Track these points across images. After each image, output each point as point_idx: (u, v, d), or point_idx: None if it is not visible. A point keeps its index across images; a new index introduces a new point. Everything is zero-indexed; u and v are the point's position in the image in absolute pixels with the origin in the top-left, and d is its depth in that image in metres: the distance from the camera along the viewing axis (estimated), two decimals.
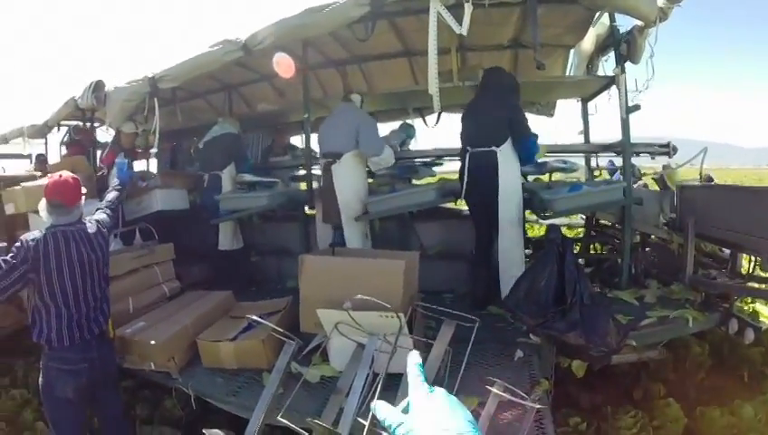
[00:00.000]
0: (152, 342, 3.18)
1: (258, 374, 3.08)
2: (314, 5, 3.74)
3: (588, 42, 5.06)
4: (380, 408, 0.82)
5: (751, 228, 3.30)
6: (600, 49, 4.97)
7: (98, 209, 3.21)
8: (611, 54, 4.50)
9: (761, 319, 4.30)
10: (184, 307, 3.81)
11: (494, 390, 1.98)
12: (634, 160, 4.79)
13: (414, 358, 0.88)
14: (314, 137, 4.94)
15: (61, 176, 2.83)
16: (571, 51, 5.55)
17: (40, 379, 2.69)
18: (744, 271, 3.97)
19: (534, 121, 4.16)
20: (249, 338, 3.25)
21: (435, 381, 2.32)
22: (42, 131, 6.51)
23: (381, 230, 4.87)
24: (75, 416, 2.73)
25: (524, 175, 4.42)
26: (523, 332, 3.38)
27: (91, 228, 2.87)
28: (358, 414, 2.03)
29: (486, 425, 1.98)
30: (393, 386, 2.18)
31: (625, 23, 4.20)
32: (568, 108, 6.07)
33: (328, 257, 3.60)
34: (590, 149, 5.44)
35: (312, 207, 5.13)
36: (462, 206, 5.45)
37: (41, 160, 6.98)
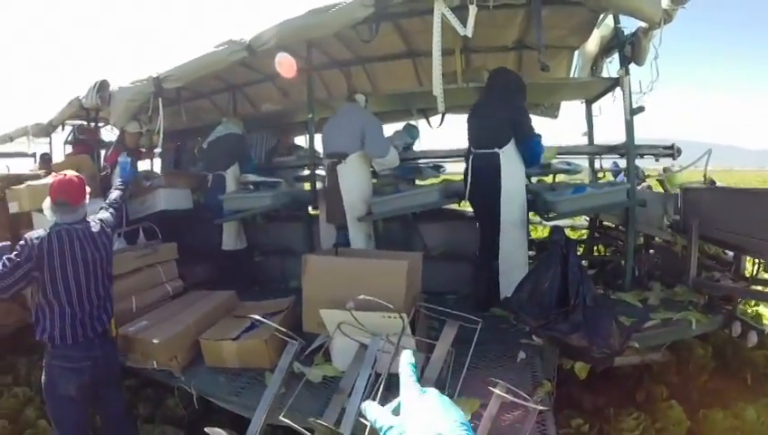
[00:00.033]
0: (155, 340, 3.18)
1: (261, 374, 3.08)
2: (319, 6, 3.74)
3: (592, 43, 5.06)
4: (371, 409, 0.80)
5: (755, 231, 3.29)
6: (605, 51, 4.97)
7: (101, 208, 3.22)
8: (616, 56, 4.51)
9: (764, 322, 4.30)
10: (187, 307, 3.82)
11: (497, 391, 1.98)
12: (638, 162, 4.78)
13: (407, 357, 0.86)
14: (318, 137, 4.95)
15: (66, 175, 2.83)
16: (576, 52, 5.55)
17: (43, 377, 2.70)
18: (747, 274, 3.97)
19: (538, 123, 4.17)
20: (252, 338, 3.25)
21: (437, 381, 2.32)
22: (46, 130, 6.53)
23: (385, 231, 4.87)
24: (77, 414, 2.73)
25: (528, 176, 4.40)
26: (526, 333, 3.38)
27: (95, 227, 2.88)
28: (360, 414, 2.03)
29: (488, 426, 1.98)
30: (395, 386, 2.17)
31: (629, 24, 4.23)
32: (572, 109, 6.09)
33: (331, 258, 3.60)
34: (594, 151, 5.43)
35: (315, 208, 5.13)
36: (465, 207, 5.45)
37: (45, 160, 7.00)
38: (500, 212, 3.98)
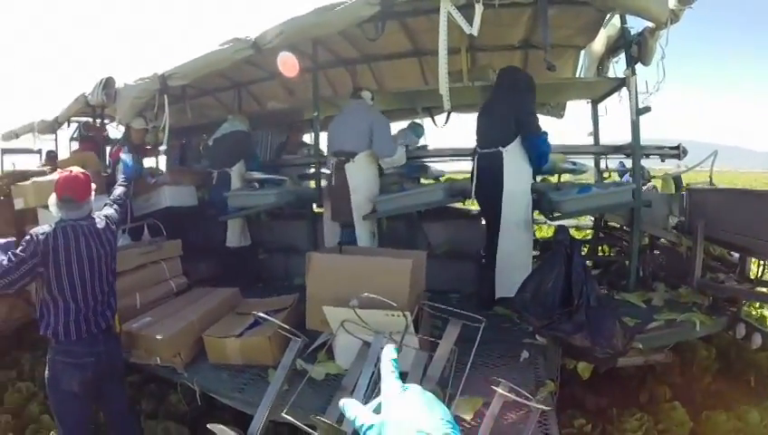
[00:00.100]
0: (159, 337, 3.19)
1: (264, 371, 3.09)
2: (325, 4, 3.74)
3: (598, 43, 5.04)
4: (350, 407, 0.76)
5: (760, 232, 3.28)
6: (611, 50, 4.95)
7: (106, 205, 3.23)
8: (622, 56, 4.49)
9: None
10: (191, 303, 3.83)
11: (499, 390, 1.97)
12: (644, 163, 4.77)
13: (388, 353, 0.82)
14: (323, 135, 4.96)
15: (71, 171, 2.84)
16: (582, 52, 5.54)
17: (46, 372, 2.71)
18: (752, 275, 3.95)
19: (544, 122, 4.13)
20: (255, 335, 3.25)
21: (440, 380, 2.32)
22: (52, 127, 6.57)
23: (389, 229, 4.87)
24: (80, 410, 2.74)
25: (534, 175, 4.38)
26: (529, 333, 3.38)
27: (100, 223, 2.89)
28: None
29: (491, 425, 1.97)
30: None
31: (636, 24, 4.19)
32: (578, 109, 6.06)
33: (335, 255, 3.60)
34: (600, 151, 5.41)
35: (320, 206, 5.13)
36: (470, 206, 5.45)
37: (51, 157, 7.02)
38: (501, 212, 3.98)
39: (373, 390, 2.21)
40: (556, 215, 4.21)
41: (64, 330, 2.64)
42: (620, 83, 4.54)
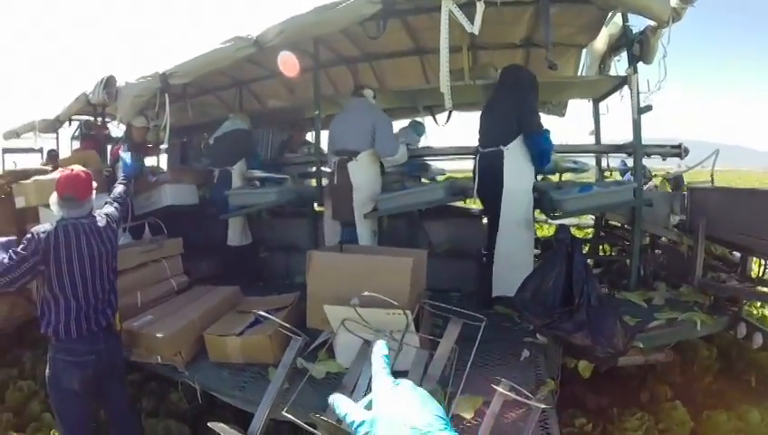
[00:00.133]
0: (159, 335, 3.19)
1: (264, 369, 3.09)
2: (326, 3, 3.74)
3: (600, 41, 5.03)
4: (340, 403, 0.75)
5: (761, 232, 3.27)
6: (613, 49, 4.95)
7: (106, 203, 3.23)
8: (624, 54, 4.49)
9: None
10: (191, 301, 3.83)
11: (500, 389, 1.96)
12: (645, 162, 4.76)
13: (380, 348, 0.81)
14: (324, 134, 4.95)
15: (72, 170, 2.84)
16: (584, 50, 5.52)
17: (47, 370, 2.71)
18: (753, 275, 3.95)
19: (545, 121, 4.13)
20: (256, 333, 3.25)
21: (440, 379, 2.32)
22: (53, 126, 6.57)
23: (390, 228, 4.86)
24: (81, 408, 2.74)
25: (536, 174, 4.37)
26: (530, 331, 3.37)
27: (101, 222, 2.89)
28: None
29: (491, 424, 1.97)
30: None
31: (638, 23, 4.19)
32: (579, 108, 6.06)
33: (336, 254, 3.60)
34: (601, 150, 5.41)
35: (320, 204, 5.13)
36: (471, 204, 5.45)
37: (52, 156, 7.02)
38: (500, 211, 3.98)
39: None
40: (557, 214, 4.21)
41: (65, 328, 2.65)
42: (622, 82, 4.53)
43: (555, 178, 5.01)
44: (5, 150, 7.99)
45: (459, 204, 5.51)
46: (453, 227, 5.27)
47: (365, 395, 0.76)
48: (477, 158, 4.16)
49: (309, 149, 6.32)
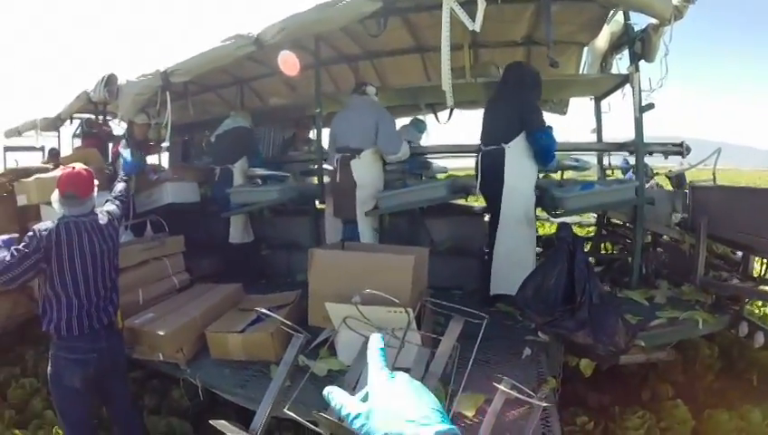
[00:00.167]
0: (161, 332, 3.19)
1: (266, 367, 3.09)
2: (327, 0, 3.73)
3: (602, 40, 5.02)
4: (335, 395, 0.75)
5: (763, 231, 3.27)
6: (615, 47, 4.94)
7: (107, 201, 3.24)
8: (625, 53, 4.47)
9: None
10: (193, 299, 3.83)
11: (501, 387, 1.97)
12: (647, 160, 4.75)
13: (375, 341, 0.81)
14: (326, 131, 4.95)
15: (74, 168, 2.85)
16: (585, 48, 5.52)
17: (48, 368, 2.72)
18: (755, 274, 3.94)
19: (547, 119, 4.12)
20: (257, 330, 3.25)
21: (442, 376, 2.32)
22: (54, 124, 6.57)
23: (391, 225, 4.86)
24: (83, 405, 2.76)
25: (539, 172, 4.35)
26: (532, 330, 3.37)
27: (103, 219, 2.90)
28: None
29: (493, 422, 1.97)
30: None
31: (640, 21, 4.17)
32: (581, 106, 6.04)
33: (337, 252, 3.60)
34: (603, 148, 5.41)
35: (322, 202, 5.12)
36: (472, 202, 5.44)
37: (53, 154, 7.02)
38: (500, 209, 3.98)
39: None
40: (559, 212, 4.19)
41: (67, 326, 2.65)
42: (624, 80, 4.52)
43: (557, 175, 5.01)
44: (7, 149, 7.98)
45: (461, 202, 5.50)
46: (454, 224, 5.26)
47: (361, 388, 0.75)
48: (480, 155, 4.16)
49: (310, 147, 6.32)
